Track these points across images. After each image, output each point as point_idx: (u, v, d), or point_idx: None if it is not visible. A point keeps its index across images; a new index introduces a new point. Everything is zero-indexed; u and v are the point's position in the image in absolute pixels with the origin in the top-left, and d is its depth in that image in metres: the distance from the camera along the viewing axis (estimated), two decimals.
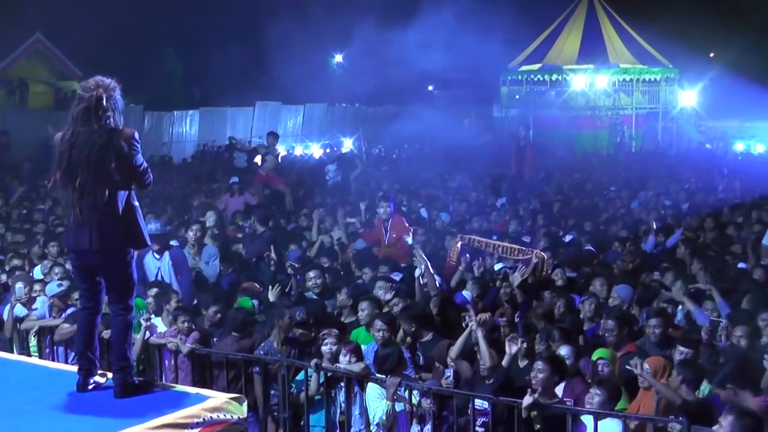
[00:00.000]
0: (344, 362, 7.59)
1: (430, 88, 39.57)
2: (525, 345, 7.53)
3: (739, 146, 31.47)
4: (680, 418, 6.13)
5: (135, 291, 5.59)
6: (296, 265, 10.44)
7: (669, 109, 36.10)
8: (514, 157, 18.87)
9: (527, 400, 6.58)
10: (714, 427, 5.69)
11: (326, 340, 7.77)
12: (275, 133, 21.42)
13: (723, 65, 38.98)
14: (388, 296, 9.16)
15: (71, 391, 5.32)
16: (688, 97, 36.52)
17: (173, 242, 10.83)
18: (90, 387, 5.36)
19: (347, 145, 30.61)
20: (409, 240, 11.78)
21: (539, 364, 6.93)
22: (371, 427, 7.46)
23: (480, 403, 7.02)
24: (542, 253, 10.75)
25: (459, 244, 11.04)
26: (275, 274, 10.55)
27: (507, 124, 35.41)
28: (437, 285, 9.66)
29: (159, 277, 9.86)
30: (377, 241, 12.30)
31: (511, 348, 7.19)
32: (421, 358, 8.08)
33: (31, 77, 37.38)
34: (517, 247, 11.14)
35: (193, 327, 8.59)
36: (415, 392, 7.33)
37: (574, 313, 9.04)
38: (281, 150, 21.77)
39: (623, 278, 10.08)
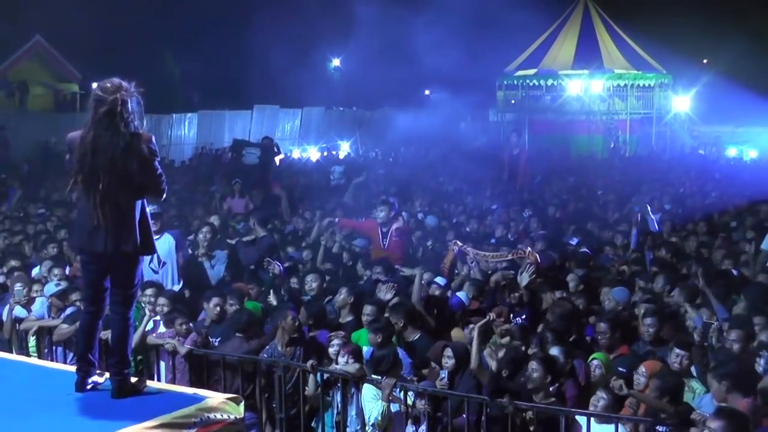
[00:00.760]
0: (342, 363, 7.60)
1: (427, 92, 39.57)
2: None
3: (731, 151, 31.51)
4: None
5: (138, 295, 5.58)
6: (279, 266, 10.36)
7: (663, 114, 36.14)
8: (507, 164, 18.80)
9: (504, 401, 6.62)
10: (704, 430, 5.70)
11: (333, 342, 7.78)
12: (270, 137, 21.39)
13: (716, 71, 39.03)
14: (389, 296, 9.17)
15: (69, 391, 5.31)
16: (681, 102, 36.56)
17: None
18: (88, 387, 5.35)
19: (344, 148, 30.67)
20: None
21: (533, 365, 6.96)
22: (367, 428, 7.46)
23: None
24: (534, 253, 10.77)
25: (454, 251, 11.00)
26: (275, 278, 10.55)
27: (503, 128, 35.44)
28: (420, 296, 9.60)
29: (156, 259, 9.85)
30: (367, 233, 12.24)
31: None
32: (406, 356, 8.05)
33: (31, 79, 37.40)
34: (506, 252, 11.14)
35: (191, 328, 8.59)
36: (410, 393, 7.34)
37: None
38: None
39: (618, 282, 10.12)
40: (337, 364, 7.67)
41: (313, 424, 8.03)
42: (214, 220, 12.86)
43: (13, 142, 24.65)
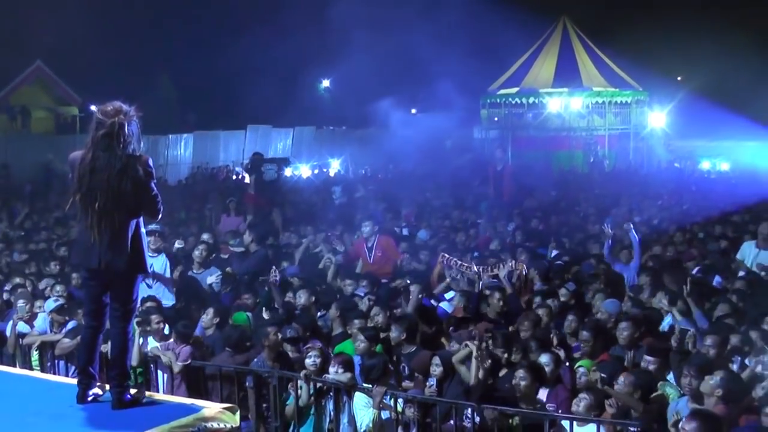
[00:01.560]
0: (333, 373, 7.60)
1: (414, 111, 39.66)
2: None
3: (705, 164, 31.65)
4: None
5: (137, 310, 5.58)
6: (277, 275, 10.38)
7: (639, 129, 36.31)
8: (491, 179, 18.83)
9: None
10: None
11: (310, 354, 7.78)
12: (260, 153, 21.37)
13: (690, 88, 39.30)
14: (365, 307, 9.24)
15: (71, 403, 5.30)
16: (657, 118, 36.73)
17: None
18: (89, 399, 5.34)
19: (335, 166, 30.68)
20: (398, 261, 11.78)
21: (520, 373, 6.97)
22: None
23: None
24: (521, 263, 10.81)
25: (442, 263, 11.01)
26: (270, 292, 10.56)
27: (487, 144, 35.54)
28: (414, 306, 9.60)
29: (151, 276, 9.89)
30: (356, 257, 12.24)
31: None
32: (406, 368, 8.10)
33: (33, 103, 37.37)
34: (491, 263, 11.16)
35: (190, 334, 8.62)
36: (400, 400, 7.35)
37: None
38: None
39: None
40: (317, 375, 7.67)
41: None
42: (208, 237, 12.85)
43: (16, 163, 24.60)
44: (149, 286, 9.96)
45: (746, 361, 7.20)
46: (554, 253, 13.44)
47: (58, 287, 10.10)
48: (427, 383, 7.43)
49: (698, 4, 47.33)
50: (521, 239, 14.55)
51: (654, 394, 6.93)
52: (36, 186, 22.79)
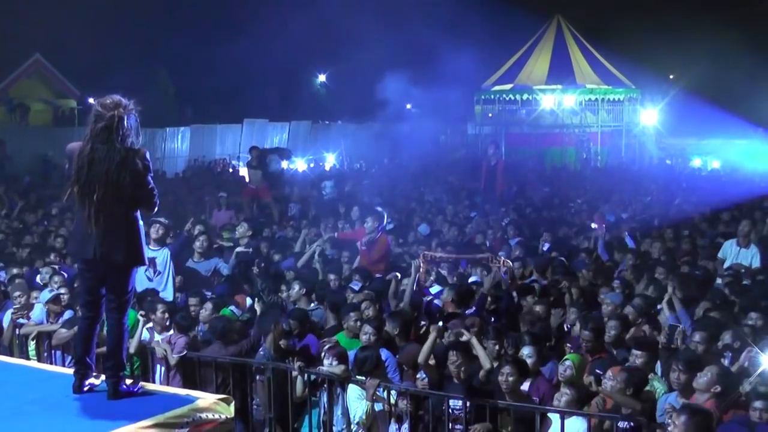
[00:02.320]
0: (327, 365, 7.60)
1: (409, 106, 39.64)
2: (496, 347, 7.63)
3: (696, 162, 31.71)
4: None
5: (132, 301, 5.58)
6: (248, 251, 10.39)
7: (632, 127, 36.36)
8: (484, 174, 18.82)
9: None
10: (669, 428, 5.73)
11: (327, 355, 7.71)
12: (257, 147, 21.30)
13: (682, 86, 39.34)
14: (358, 299, 9.23)
15: (67, 393, 5.30)
16: (649, 115, 36.76)
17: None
18: (85, 389, 5.34)
19: (330, 160, 30.64)
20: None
21: (507, 369, 6.97)
22: (352, 426, 7.46)
23: (453, 404, 7.04)
24: (509, 261, 10.82)
25: (422, 262, 10.95)
26: (264, 286, 10.53)
27: (481, 140, 35.56)
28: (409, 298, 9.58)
29: (152, 268, 9.89)
30: (351, 239, 12.19)
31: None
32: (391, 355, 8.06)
33: (31, 96, 37.25)
34: (480, 256, 11.18)
35: (190, 325, 8.62)
36: (393, 392, 7.35)
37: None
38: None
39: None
40: (304, 367, 7.67)
41: (296, 425, 8.02)
42: (201, 228, 12.80)
43: (14, 155, 24.53)
44: (150, 279, 9.97)
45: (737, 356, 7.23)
46: (546, 246, 13.48)
47: (56, 278, 10.08)
48: (419, 376, 7.42)
49: (691, 4, 47.38)
50: (514, 233, 14.57)
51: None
52: (34, 178, 22.74)
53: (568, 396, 6.72)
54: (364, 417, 7.34)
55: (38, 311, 9.45)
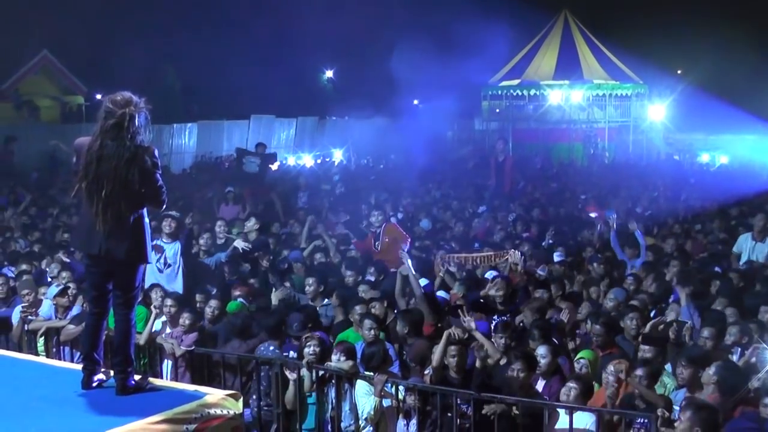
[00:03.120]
0: (335, 361, 7.59)
1: (416, 102, 39.59)
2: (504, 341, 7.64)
3: (704, 157, 31.61)
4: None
5: (140, 297, 5.58)
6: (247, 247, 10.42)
7: (639, 122, 36.26)
8: (493, 170, 18.80)
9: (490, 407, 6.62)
10: (675, 423, 5.72)
11: (309, 344, 7.74)
12: (263, 144, 21.34)
13: (690, 82, 39.21)
14: (368, 296, 9.20)
15: (76, 389, 5.31)
16: (657, 111, 36.66)
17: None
18: (94, 384, 5.35)
19: (337, 156, 30.63)
20: (405, 246, 11.75)
21: (517, 365, 6.96)
22: (360, 422, 7.46)
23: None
24: (516, 252, 10.82)
25: (439, 262, 10.99)
26: (267, 276, 10.51)
27: (488, 136, 35.53)
28: (421, 288, 9.58)
29: (163, 260, 9.89)
30: (368, 250, 12.20)
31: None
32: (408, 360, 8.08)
33: (39, 92, 37.31)
34: (492, 253, 11.17)
35: (195, 323, 8.62)
36: (401, 388, 7.34)
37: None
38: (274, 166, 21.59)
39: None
40: (313, 363, 7.66)
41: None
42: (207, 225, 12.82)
43: (22, 151, 24.57)
44: (160, 271, 10.00)
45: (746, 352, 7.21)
46: (552, 241, 13.49)
47: (64, 273, 10.09)
48: (425, 371, 7.41)
49: None
50: (521, 229, 14.56)
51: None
52: (42, 173, 22.77)
53: (575, 390, 6.70)
54: (372, 413, 7.33)
55: (46, 307, 9.47)
